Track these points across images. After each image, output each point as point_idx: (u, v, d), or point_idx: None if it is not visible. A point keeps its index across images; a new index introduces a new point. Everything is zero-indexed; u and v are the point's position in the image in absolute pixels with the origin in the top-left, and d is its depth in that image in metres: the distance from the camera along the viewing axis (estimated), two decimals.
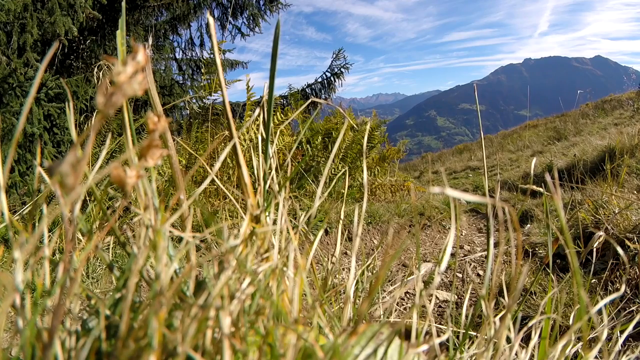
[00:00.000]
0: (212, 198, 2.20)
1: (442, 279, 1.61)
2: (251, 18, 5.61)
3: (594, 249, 0.73)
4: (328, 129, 3.49)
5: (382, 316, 0.66)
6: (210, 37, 1.45)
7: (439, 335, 0.44)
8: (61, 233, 1.17)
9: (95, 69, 2.24)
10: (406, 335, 0.38)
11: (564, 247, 1.48)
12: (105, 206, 0.38)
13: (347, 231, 2.06)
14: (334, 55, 5.47)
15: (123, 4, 0.39)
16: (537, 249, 1.72)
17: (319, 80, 5.47)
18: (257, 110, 0.46)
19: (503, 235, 0.36)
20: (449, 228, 2.59)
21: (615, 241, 1.31)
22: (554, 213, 2.20)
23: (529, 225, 2.26)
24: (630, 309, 1.02)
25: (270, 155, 0.46)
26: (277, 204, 0.42)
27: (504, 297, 0.55)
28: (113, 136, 2.59)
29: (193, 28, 5.99)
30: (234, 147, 0.41)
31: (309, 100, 0.61)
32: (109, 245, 1.28)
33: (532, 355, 0.49)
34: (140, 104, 4.48)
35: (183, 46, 5.75)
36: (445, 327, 0.48)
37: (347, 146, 3.36)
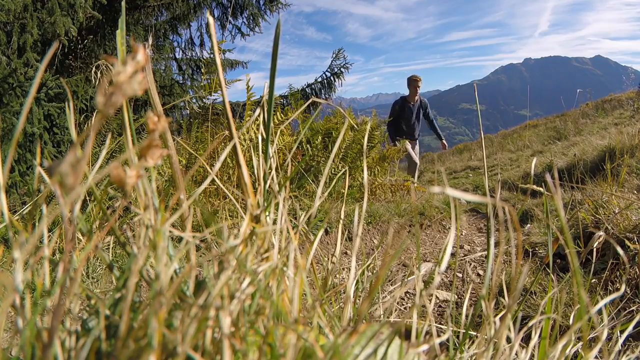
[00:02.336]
0: (212, 198, 2.20)
1: (442, 279, 1.61)
2: (251, 18, 5.61)
3: (594, 249, 0.73)
4: (328, 129, 3.49)
5: (382, 316, 0.66)
6: (210, 36, 1.45)
7: (439, 335, 0.44)
8: (61, 233, 1.17)
9: (94, 69, 2.23)
10: (406, 335, 0.38)
11: (564, 247, 1.48)
12: (105, 206, 0.38)
13: (347, 231, 2.06)
14: (334, 55, 5.47)
15: (123, 3, 0.39)
16: (537, 248, 1.72)
17: (319, 80, 5.47)
18: (257, 110, 0.46)
19: (503, 235, 0.36)
20: (449, 228, 2.59)
21: (615, 241, 1.31)
22: (554, 213, 2.20)
23: (529, 225, 2.26)
24: (631, 309, 1.02)
25: (270, 155, 0.46)
26: (277, 204, 0.42)
27: (504, 297, 0.55)
28: (113, 136, 2.59)
29: (193, 28, 5.99)
30: (234, 147, 0.41)
31: (310, 100, 0.61)
32: (109, 245, 1.28)
33: (532, 355, 0.49)
34: (140, 104, 4.48)
35: (183, 46, 5.75)
36: (446, 327, 0.48)
37: (347, 146, 3.36)
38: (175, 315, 0.30)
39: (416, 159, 5.29)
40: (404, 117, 5.13)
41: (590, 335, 0.51)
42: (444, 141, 5.36)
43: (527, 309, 1.14)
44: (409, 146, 5.05)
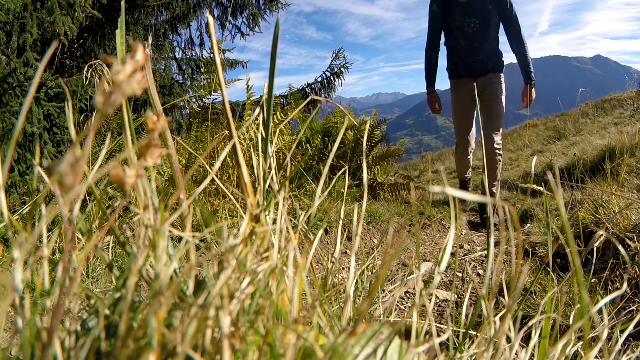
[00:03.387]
0: (212, 198, 2.20)
1: (442, 279, 1.61)
2: (251, 18, 5.61)
3: (595, 249, 0.73)
4: (328, 128, 3.49)
5: (382, 316, 0.66)
6: (210, 36, 1.45)
7: (439, 335, 0.44)
8: (61, 233, 1.17)
9: (89, 69, 2.24)
10: (406, 335, 0.38)
11: (564, 247, 1.48)
12: (104, 206, 0.38)
13: (347, 231, 2.06)
14: (334, 55, 5.47)
15: (123, 3, 0.39)
16: (537, 248, 1.72)
17: (319, 80, 5.48)
18: (257, 110, 0.46)
19: (503, 235, 0.36)
20: (449, 227, 2.58)
21: (616, 240, 1.31)
22: (554, 213, 2.19)
23: (529, 225, 2.26)
24: (631, 309, 1.02)
25: (270, 154, 0.46)
26: (277, 204, 0.42)
27: (504, 297, 0.55)
28: (113, 136, 2.59)
29: (193, 28, 6.00)
30: (234, 147, 0.41)
31: (309, 99, 0.61)
32: (108, 245, 1.28)
33: (533, 355, 0.49)
34: (140, 104, 4.48)
35: (183, 46, 5.75)
36: (446, 327, 0.48)
37: (347, 145, 3.36)
38: (175, 315, 0.30)
39: (496, 148, 2.52)
40: (453, 26, 2.52)
41: (591, 335, 0.51)
42: (532, 87, 2.53)
43: (527, 308, 1.14)
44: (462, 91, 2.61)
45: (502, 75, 2.64)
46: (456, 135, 2.80)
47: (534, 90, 2.57)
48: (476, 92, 2.62)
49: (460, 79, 2.67)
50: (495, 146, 2.54)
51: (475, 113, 2.68)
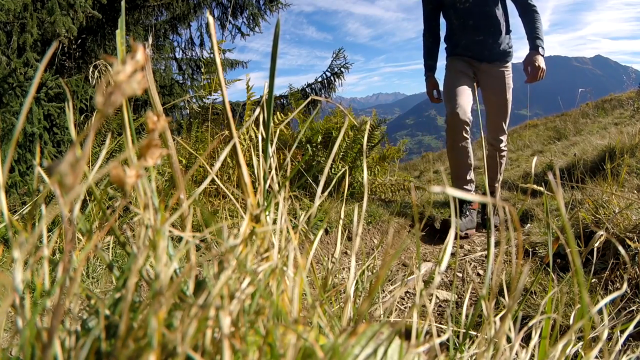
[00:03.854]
0: (212, 198, 2.20)
1: (442, 279, 1.61)
2: (251, 18, 5.61)
3: (595, 249, 0.73)
4: (328, 129, 3.49)
5: (382, 316, 0.66)
6: (210, 36, 1.45)
7: (439, 335, 0.44)
8: (61, 233, 1.17)
9: (92, 69, 2.24)
10: (406, 335, 0.38)
11: (564, 247, 1.48)
12: (104, 206, 0.38)
13: (347, 231, 2.06)
14: (334, 55, 5.47)
15: (123, 3, 0.39)
16: (537, 248, 1.72)
17: (319, 79, 5.47)
18: (257, 110, 0.46)
19: (503, 235, 0.36)
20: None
21: (616, 240, 1.31)
22: (554, 213, 2.19)
23: (529, 225, 2.25)
24: (631, 309, 1.02)
25: (270, 154, 0.46)
26: (277, 204, 0.42)
27: (504, 297, 0.55)
28: (113, 136, 2.59)
29: (193, 28, 6.00)
30: (234, 147, 0.41)
31: (309, 99, 0.61)
32: (108, 245, 1.28)
33: (533, 355, 0.49)
34: (140, 104, 4.48)
35: (183, 46, 5.75)
36: (446, 327, 0.48)
37: (348, 145, 3.36)
38: (175, 315, 0.30)
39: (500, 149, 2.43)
40: (446, 4, 2.35)
41: (591, 335, 0.51)
42: (538, 55, 2.20)
43: (527, 308, 1.14)
44: (463, 95, 2.22)
45: (510, 65, 2.41)
46: (447, 107, 2.26)
47: (539, 57, 2.19)
48: (479, 81, 2.38)
49: (459, 56, 2.41)
50: (501, 146, 2.42)
51: (475, 99, 2.32)
